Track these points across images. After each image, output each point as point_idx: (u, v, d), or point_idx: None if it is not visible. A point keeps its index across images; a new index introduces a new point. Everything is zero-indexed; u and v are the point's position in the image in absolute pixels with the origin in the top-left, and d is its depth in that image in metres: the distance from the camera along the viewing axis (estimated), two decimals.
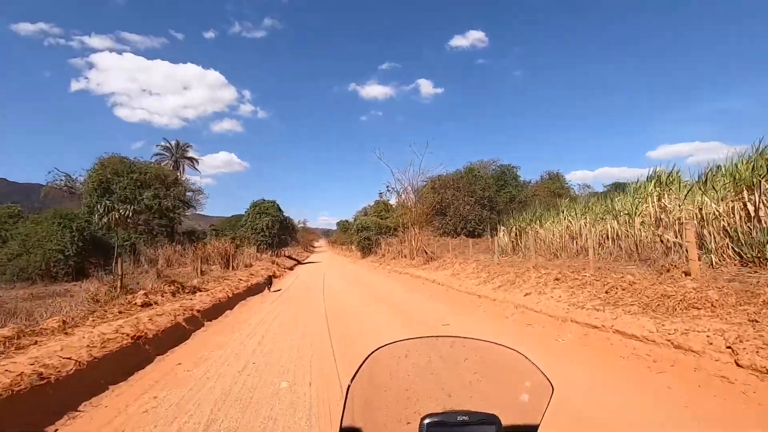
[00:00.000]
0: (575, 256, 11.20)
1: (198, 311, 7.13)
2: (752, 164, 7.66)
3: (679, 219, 8.41)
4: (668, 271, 5.91)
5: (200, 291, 9.09)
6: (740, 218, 7.10)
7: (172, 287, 8.19)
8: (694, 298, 4.57)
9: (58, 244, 18.26)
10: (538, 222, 14.25)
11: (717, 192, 7.97)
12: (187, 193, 27.31)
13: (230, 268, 17.01)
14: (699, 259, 6.46)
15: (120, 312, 5.79)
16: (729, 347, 3.52)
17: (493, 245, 14.96)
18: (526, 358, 0.89)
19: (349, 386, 0.81)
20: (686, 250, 7.40)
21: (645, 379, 3.62)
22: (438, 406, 0.85)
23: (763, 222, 6.54)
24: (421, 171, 21.02)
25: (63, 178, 25.82)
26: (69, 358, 3.52)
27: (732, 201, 7.40)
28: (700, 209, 7.96)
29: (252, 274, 15.42)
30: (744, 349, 3.38)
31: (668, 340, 4.08)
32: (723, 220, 7.37)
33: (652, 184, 10.66)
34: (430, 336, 0.99)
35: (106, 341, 4.20)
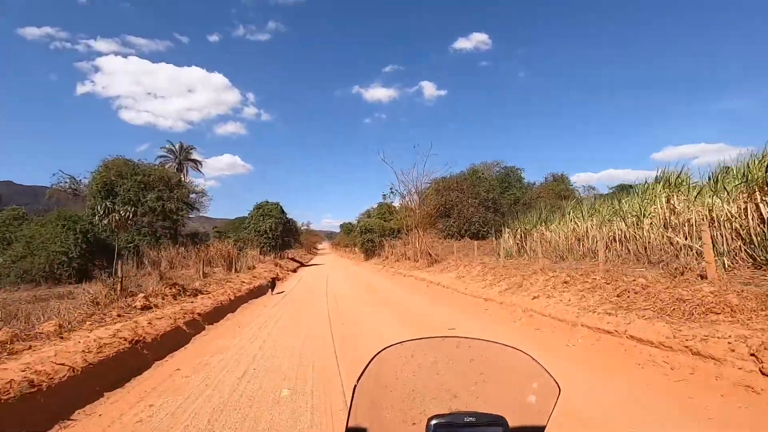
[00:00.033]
0: (582, 258, 11.01)
1: (199, 314, 7.01)
2: (765, 164, 7.45)
3: (688, 221, 8.22)
4: (682, 274, 5.71)
5: (202, 294, 8.97)
6: (753, 220, 6.90)
7: (173, 290, 8.08)
8: (712, 302, 4.38)
9: (62, 246, 18.26)
10: (543, 224, 14.05)
11: (728, 193, 7.78)
12: (191, 195, 27.29)
13: (233, 270, 16.92)
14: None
15: (119, 315, 5.68)
16: (753, 354, 3.34)
17: (498, 247, 14.78)
18: (533, 358, 0.88)
19: (355, 386, 0.81)
20: (697, 253, 7.23)
21: (664, 388, 3.44)
22: (444, 406, 0.86)
23: None
24: (424, 173, 20.88)
25: (67, 180, 25.92)
26: (62, 364, 3.40)
27: (744, 202, 7.21)
28: (710, 211, 7.77)
29: (255, 277, 15.31)
30: None
31: (686, 347, 3.90)
32: (735, 222, 7.18)
33: (661, 185, 10.49)
34: (436, 336, 0.98)
35: (103, 346, 4.08)
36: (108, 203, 15.61)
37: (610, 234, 10.42)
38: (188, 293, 8.49)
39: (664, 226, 8.90)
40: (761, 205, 6.76)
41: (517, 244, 15.18)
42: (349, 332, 6.33)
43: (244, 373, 4.23)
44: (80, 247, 18.74)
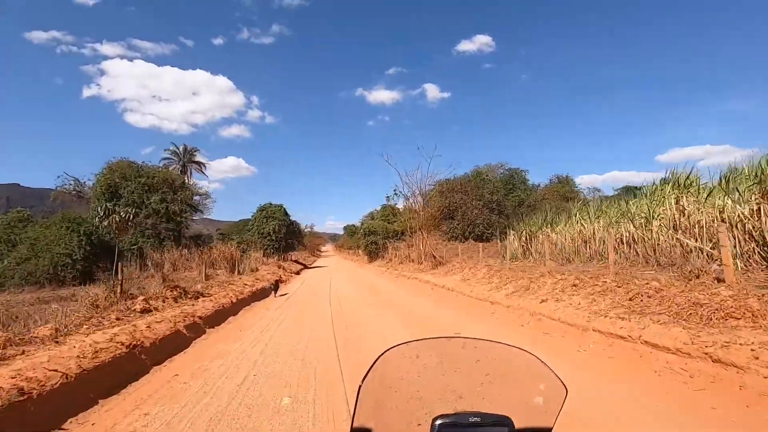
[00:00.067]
0: (588, 260, 10.80)
1: (200, 318, 6.89)
2: None
3: (698, 222, 8.03)
4: (697, 277, 5.51)
5: (203, 296, 8.86)
6: (767, 222, 6.69)
7: (175, 292, 7.97)
8: (731, 306, 4.20)
9: (66, 248, 18.24)
10: (549, 226, 13.86)
11: (741, 194, 7.59)
12: (194, 197, 27.27)
13: (236, 272, 16.82)
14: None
15: (118, 319, 5.56)
16: None
17: (503, 250, 14.58)
18: (539, 359, 0.88)
19: (360, 386, 0.80)
20: (707, 255, 7.03)
21: (684, 397, 3.26)
22: (449, 407, 0.85)
23: None
24: (429, 174, 20.74)
25: (72, 182, 25.94)
26: (55, 371, 3.27)
27: (757, 203, 7.00)
28: (721, 212, 7.58)
29: (258, 279, 15.20)
30: None
31: (706, 353, 3.71)
32: (748, 223, 6.98)
33: (670, 186, 10.31)
34: (441, 337, 0.98)
35: (99, 351, 3.96)
36: (108, 205, 15.54)
37: (617, 236, 10.23)
38: (190, 296, 8.38)
39: (673, 228, 8.71)
40: None
41: (522, 246, 14.98)
42: (353, 335, 6.19)
43: (244, 379, 4.09)
44: (84, 249, 18.71)
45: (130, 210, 14.37)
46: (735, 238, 6.97)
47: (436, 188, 25.18)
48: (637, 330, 4.59)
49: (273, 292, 12.43)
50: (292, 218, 36.96)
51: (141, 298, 6.69)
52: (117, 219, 12.96)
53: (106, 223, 13.60)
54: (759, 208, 6.86)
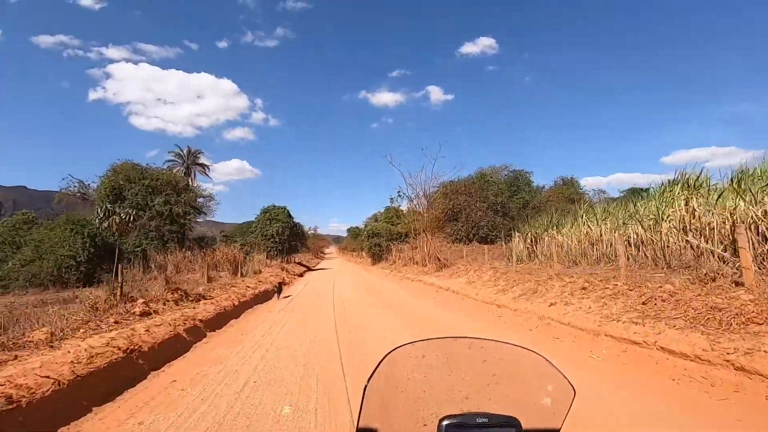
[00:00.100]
0: (596, 263, 10.59)
1: (200, 321, 6.76)
2: None
3: (709, 224, 7.84)
4: (713, 280, 5.31)
5: (205, 299, 8.74)
6: None
7: (176, 295, 7.85)
8: (752, 311, 4.00)
9: (70, 250, 18.25)
10: (554, 228, 13.66)
11: (754, 195, 7.41)
12: (198, 199, 27.25)
13: (239, 274, 16.73)
14: (735, 266, 5.88)
15: (116, 322, 5.44)
16: None
17: (508, 252, 14.39)
18: (546, 359, 0.87)
19: (366, 386, 0.79)
20: (719, 258, 6.83)
21: (707, 408, 3.08)
22: (455, 407, 0.84)
23: None
24: (433, 176, 20.59)
25: (76, 184, 26.02)
26: (47, 377, 3.15)
27: None
28: (732, 214, 7.40)
29: (260, 281, 15.09)
30: None
31: (727, 361, 3.53)
32: (762, 224, 6.78)
33: (679, 187, 10.13)
34: (447, 337, 0.97)
35: (94, 356, 3.83)
36: (108, 206, 15.50)
37: (625, 238, 10.04)
38: (191, 298, 8.26)
39: (683, 230, 8.51)
40: None
41: (528, 248, 14.79)
42: (356, 338, 6.05)
43: (244, 385, 3.95)
44: (88, 251, 18.71)
45: (130, 211, 14.28)
46: (749, 241, 6.78)
47: (440, 190, 25.02)
48: (652, 335, 4.40)
49: (276, 295, 12.40)
50: (296, 220, 36.94)
51: (141, 300, 6.57)
52: (117, 220, 12.87)
53: (105, 225, 13.53)
54: None
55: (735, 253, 6.83)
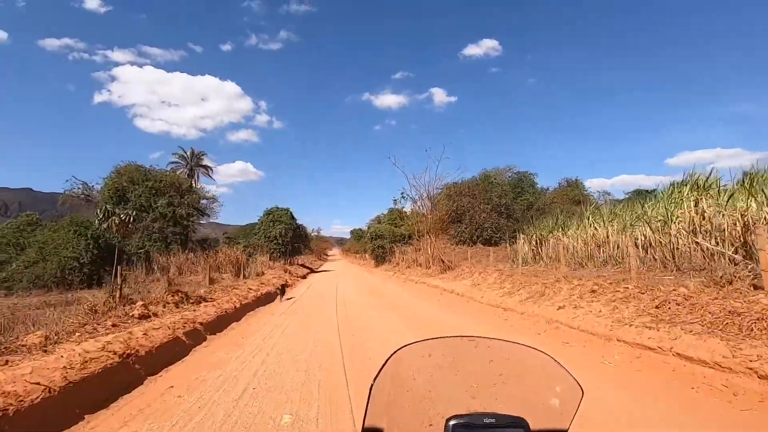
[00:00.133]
0: (603, 265, 10.40)
1: (201, 324, 6.64)
2: None
3: (719, 226, 7.66)
4: (730, 283, 5.12)
5: (206, 301, 8.61)
6: None
7: (176, 297, 7.73)
8: None
9: (74, 251, 18.25)
10: (560, 230, 13.47)
11: (766, 195, 7.23)
12: (201, 201, 27.25)
13: (241, 276, 16.63)
14: (747, 269, 5.68)
15: (114, 325, 5.32)
16: None
17: (513, 254, 14.19)
18: (554, 359, 0.86)
19: (372, 385, 0.78)
20: (730, 260, 6.63)
21: (731, 419, 2.90)
22: (462, 407, 0.82)
23: None
24: (437, 177, 20.46)
25: (80, 186, 26.11)
26: (38, 383, 3.02)
27: None
28: (743, 215, 7.21)
29: (263, 283, 14.97)
30: None
31: (750, 369, 3.35)
32: None
33: (688, 188, 9.93)
34: (453, 336, 0.96)
35: (88, 361, 3.71)
36: (108, 206, 15.46)
37: (633, 240, 9.85)
38: (192, 301, 8.14)
39: (692, 231, 8.32)
40: None
41: (533, 250, 14.59)
42: (359, 341, 5.90)
43: (243, 392, 3.80)
44: (91, 252, 18.70)
45: (130, 212, 14.21)
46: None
47: (444, 192, 24.87)
48: (667, 341, 4.23)
49: (279, 297, 12.31)
50: (299, 222, 36.83)
51: (140, 303, 6.45)
52: (116, 221, 12.80)
53: (105, 226, 13.48)
54: None
55: (747, 255, 6.64)
